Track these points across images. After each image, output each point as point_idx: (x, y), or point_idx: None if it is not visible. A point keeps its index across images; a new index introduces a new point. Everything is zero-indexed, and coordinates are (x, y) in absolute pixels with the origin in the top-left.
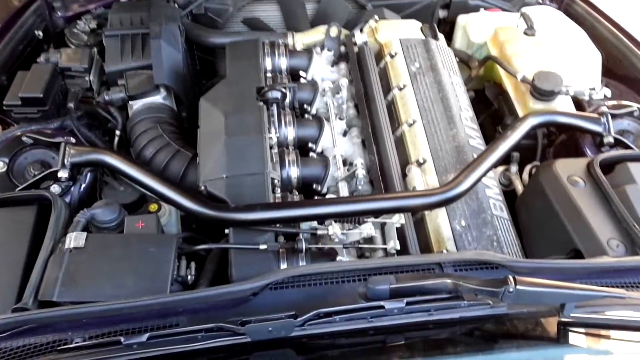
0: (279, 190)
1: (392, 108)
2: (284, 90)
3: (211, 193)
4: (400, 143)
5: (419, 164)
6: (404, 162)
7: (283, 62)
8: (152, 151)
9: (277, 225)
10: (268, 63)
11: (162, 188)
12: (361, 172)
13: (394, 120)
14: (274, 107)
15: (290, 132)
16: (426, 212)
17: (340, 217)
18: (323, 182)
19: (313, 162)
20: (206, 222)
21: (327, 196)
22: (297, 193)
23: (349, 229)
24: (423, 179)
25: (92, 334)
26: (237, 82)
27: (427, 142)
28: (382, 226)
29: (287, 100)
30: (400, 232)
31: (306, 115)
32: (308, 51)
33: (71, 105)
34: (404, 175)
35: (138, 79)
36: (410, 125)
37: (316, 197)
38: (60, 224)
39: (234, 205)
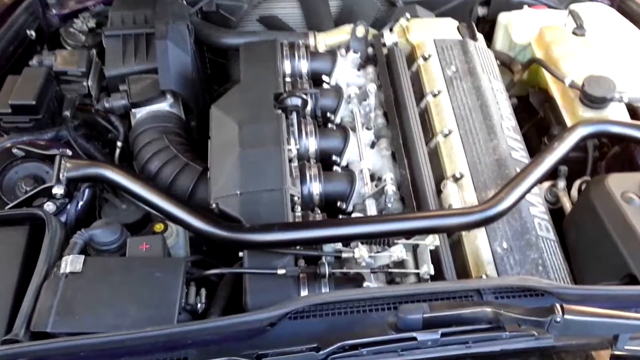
0: (299, 208)
1: (425, 117)
2: (304, 96)
3: (223, 211)
4: (434, 156)
5: (456, 179)
6: (439, 177)
7: (304, 66)
8: (157, 165)
9: (297, 247)
10: (287, 66)
11: (169, 206)
12: (391, 188)
13: (428, 130)
14: (294, 116)
15: (311, 144)
16: (463, 233)
17: (367, 239)
18: (348, 200)
19: (337, 177)
20: (218, 243)
21: (353, 215)
22: (319, 211)
23: (378, 252)
24: (460, 195)
25: None
26: (252, 88)
27: (464, 155)
28: (415, 248)
29: (309, 107)
30: (435, 255)
31: (329, 125)
32: (332, 53)
33: (67, 113)
34: (439, 192)
35: (142, 85)
36: (445, 135)
37: (341, 216)
38: (55, 246)
39: (249, 225)
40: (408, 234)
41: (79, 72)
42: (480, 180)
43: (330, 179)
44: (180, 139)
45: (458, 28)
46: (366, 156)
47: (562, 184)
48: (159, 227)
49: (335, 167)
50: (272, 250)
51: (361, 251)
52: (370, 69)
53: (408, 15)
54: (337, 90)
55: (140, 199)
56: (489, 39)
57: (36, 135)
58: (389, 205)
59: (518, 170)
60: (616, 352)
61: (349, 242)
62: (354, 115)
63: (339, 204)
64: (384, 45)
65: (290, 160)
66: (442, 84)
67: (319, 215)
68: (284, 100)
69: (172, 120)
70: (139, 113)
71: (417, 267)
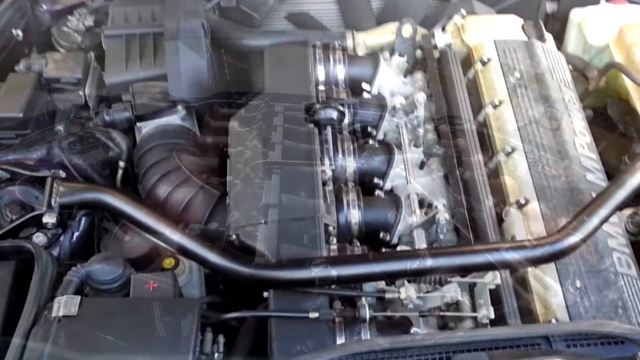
0: (334, 240)
1: (484, 132)
2: (341, 108)
3: (245, 244)
4: (495, 178)
5: (520, 206)
6: (500, 203)
7: (340, 71)
8: (167, 189)
9: (333, 286)
10: (320, 72)
11: (181, 237)
12: (443, 217)
13: (487, 147)
14: (329, 131)
15: (349, 164)
16: (529, 270)
17: (415, 276)
18: (393, 230)
19: (380, 204)
20: (239, 282)
21: (398, 248)
22: (358, 244)
23: (427, 292)
24: (525, 225)
25: None
26: (279, 98)
27: (530, 177)
28: (471, 288)
29: (346, 121)
30: (495, 296)
31: (371, 142)
32: (373, 57)
33: (60, 128)
34: (500, 221)
35: (148, 94)
36: (508, 154)
37: (384, 250)
38: (45, 285)
39: (275, 261)
40: (464, 270)
41: (74, 79)
42: (549, 207)
43: (371, 206)
44: (194, 157)
45: (523, 27)
46: (414, 178)
47: None
48: (168, 262)
49: (377, 192)
50: (303, 290)
51: (408, 291)
52: (418, 76)
53: (464, 11)
54: (380, 101)
55: (147, 229)
56: (560, 40)
57: (24, 153)
58: (441, 236)
59: (594, 195)
60: None
61: (393, 281)
62: (399, 130)
63: (381, 235)
64: (435, 47)
65: (324, 184)
66: (504, 93)
67: (358, 249)
68: (316, 113)
69: (184, 136)
70: (145, 127)
71: (474, 309)
